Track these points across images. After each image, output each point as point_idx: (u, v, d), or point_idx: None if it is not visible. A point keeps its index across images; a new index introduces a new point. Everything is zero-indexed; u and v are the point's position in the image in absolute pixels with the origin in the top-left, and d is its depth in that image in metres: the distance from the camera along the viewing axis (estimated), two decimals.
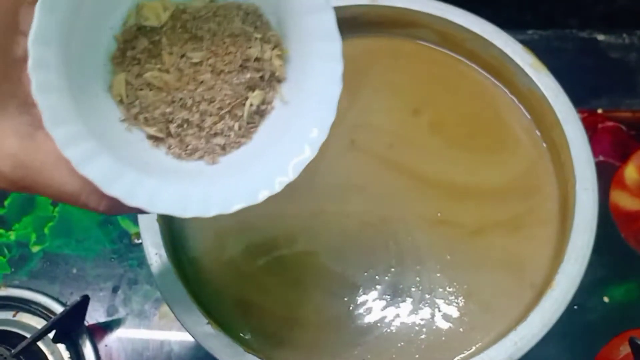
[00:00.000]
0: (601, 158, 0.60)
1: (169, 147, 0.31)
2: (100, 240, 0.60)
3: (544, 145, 0.52)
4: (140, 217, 0.47)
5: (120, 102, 0.30)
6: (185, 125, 0.30)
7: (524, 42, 0.51)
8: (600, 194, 0.47)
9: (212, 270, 0.49)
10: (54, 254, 0.60)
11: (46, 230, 0.61)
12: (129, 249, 0.59)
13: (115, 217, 0.60)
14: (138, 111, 0.30)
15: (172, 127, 0.30)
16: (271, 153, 0.31)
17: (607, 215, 0.58)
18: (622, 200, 0.59)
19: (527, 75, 0.51)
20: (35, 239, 0.60)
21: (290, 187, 0.50)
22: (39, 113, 0.25)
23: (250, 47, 0.31)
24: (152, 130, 0.30)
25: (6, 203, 0.61)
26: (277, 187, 0.30)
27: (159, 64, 0.30)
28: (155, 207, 0.28)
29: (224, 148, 0.31)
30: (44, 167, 0.26)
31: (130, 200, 0.27)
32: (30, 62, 0.25)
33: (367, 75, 0.55)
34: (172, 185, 0.29)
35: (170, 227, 0.50)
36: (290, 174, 0.30)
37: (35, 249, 0.60)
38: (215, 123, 0.31)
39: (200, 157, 0.31)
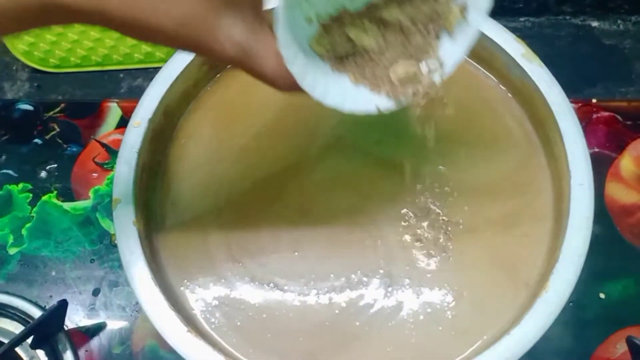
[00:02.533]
0: (596, 149, 0.59)
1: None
2: (80, 241, 0.58)
3: (537, 138, 0.50)
4: (116, 220, 0.46)
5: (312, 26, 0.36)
6: (362, 63, 0.38)
7: (516, 30, 0.50)
8: (595, 187, 0.45)
9: (194, 276, 0.48)
10: (32, 256, 0.58)
11: (24, 232, 0.59)
12: (109, 250, 0.58)
13: (97, 214, 0.58)
14: (326, 40, 0.37)
15: (350, 61, 0.37)
16: None
17: (602, 209, 0.56)
18: (617, 192, 0.57)
19: (519, 66, 0.49)
20: (13, 240, 0.58)
21: (275, 186, 0.50)
22: (263, 15, 0.34)
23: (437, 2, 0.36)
24: (331, 55, 0.37)
25: None
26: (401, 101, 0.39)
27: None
28: (325, 99, 0.36)
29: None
30: (258, 55, 0.34)
31: (312, 92, 0.35)
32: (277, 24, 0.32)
33: None
34: (334, 86, 0.37)
35: (148, 229, 0.48)
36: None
37: (13, 251, 0.58)
38: (386, 67, 0.38)
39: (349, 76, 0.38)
